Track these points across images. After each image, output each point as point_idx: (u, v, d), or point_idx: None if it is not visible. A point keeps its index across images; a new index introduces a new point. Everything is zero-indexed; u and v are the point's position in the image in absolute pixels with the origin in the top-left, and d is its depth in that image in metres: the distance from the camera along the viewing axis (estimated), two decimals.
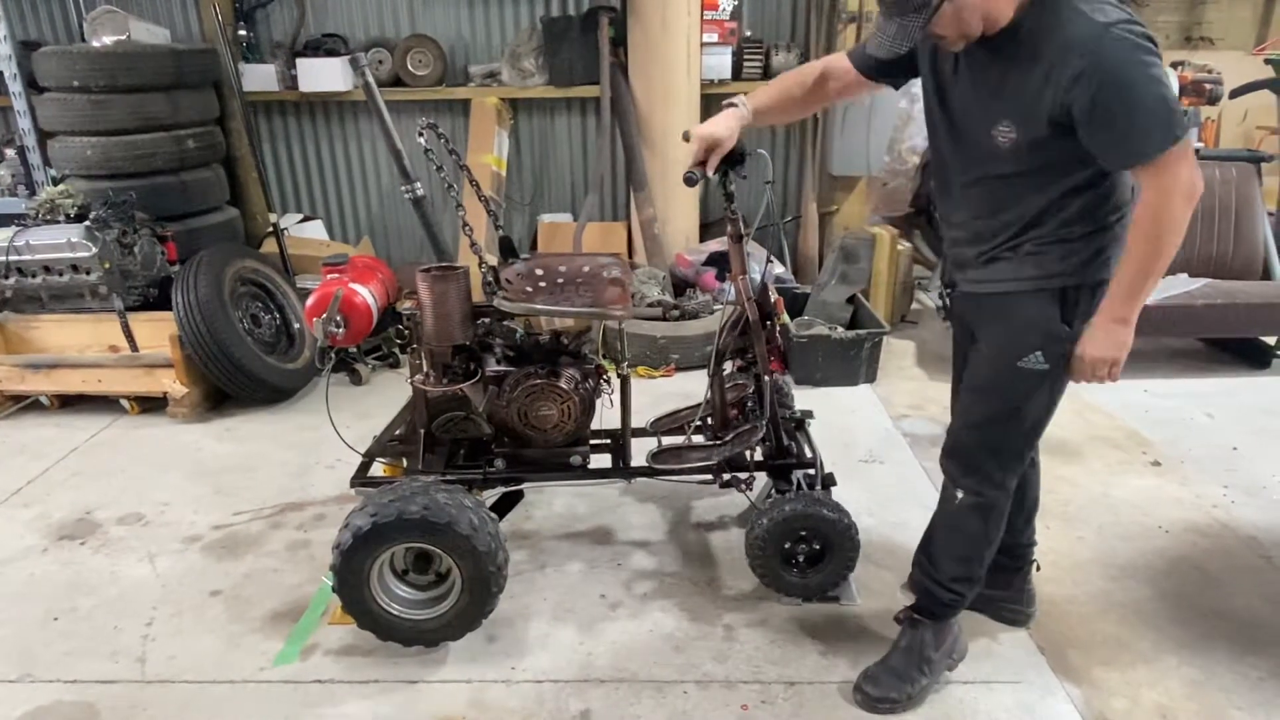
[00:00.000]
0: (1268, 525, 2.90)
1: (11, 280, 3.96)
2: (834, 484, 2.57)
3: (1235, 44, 6.35)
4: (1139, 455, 3.41)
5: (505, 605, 2.41)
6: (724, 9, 4.91)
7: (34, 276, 3.96)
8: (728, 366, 2.65)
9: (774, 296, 2.55)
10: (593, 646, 2.37)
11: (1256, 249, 4.30)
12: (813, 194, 5.28)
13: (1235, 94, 4.67)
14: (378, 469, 2.70)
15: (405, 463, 2.69)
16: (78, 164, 4.41)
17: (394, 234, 5.72)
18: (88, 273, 3.91)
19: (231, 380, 3.78)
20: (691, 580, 2.66)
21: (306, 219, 5.55)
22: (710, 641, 2.38)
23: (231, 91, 4.87)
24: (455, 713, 2.15)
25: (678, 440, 2.70)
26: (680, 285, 4.86)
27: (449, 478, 2.44)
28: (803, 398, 3.55)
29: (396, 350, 4.40)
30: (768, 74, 5.04)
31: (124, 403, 3.94)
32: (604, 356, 2.64)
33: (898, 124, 5.10)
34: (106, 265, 3.87)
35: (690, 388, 3.88)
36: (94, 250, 3.86)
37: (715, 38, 4.94)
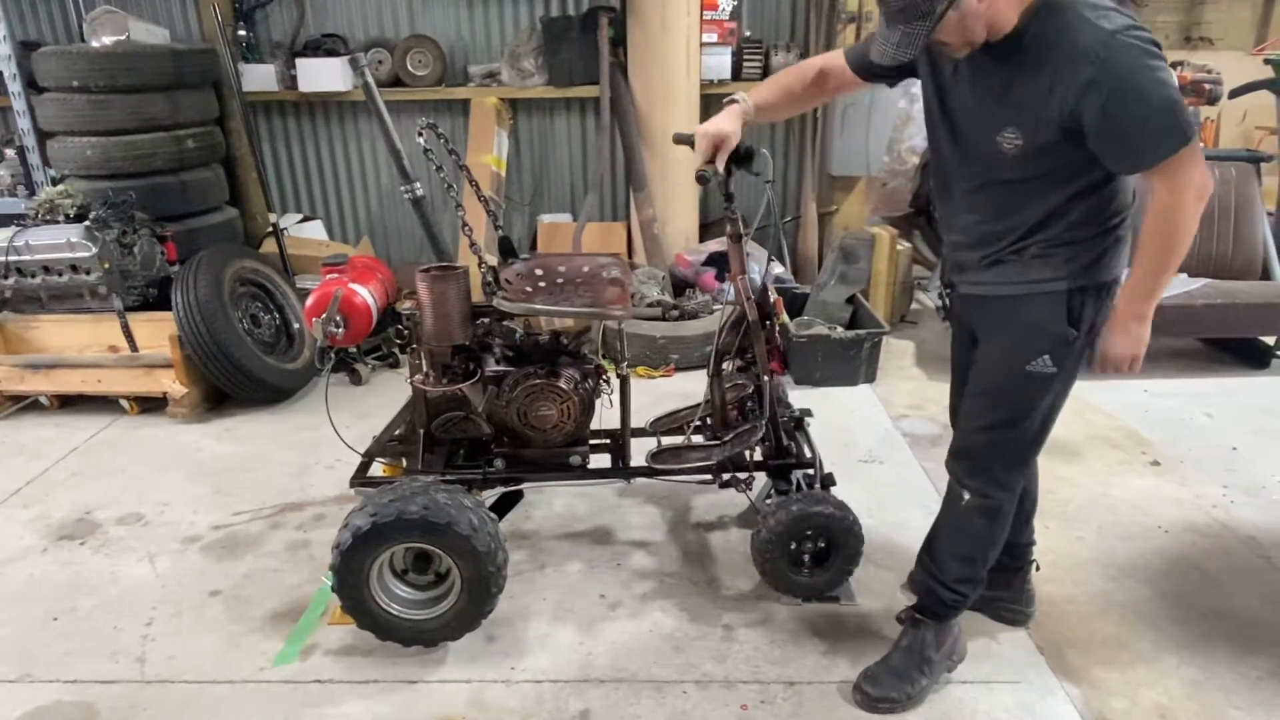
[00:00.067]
0: (1267, 525, 2.91)
1: (11, 280, 3.96)
2: (833, 484, 2.57)
3: (1234, 44, 6.36)
4: (1138, 455, 3.41)
5: (505, 605, 2.41)
6: (723, 9, 4.91)
7: (33, 277, 3.96)
8: (727, 366, 2.65)
9: (773, 296, 2.55)
10: (592, 646, 2.37)
11: (1256, 249, 4.30)
12: (812, 194, 5.28)
13: (1234, 94, 4.67)
14: (377, 469, 2.70)
15: (405, 463, 2.69)
16: (77, 164, 4.41)
17: (393, 234, 5.72)
18: (87, 273, 3.91)
19: (231, 380, 3.78)
20: (691, 580, 2.66)
21: (306, 219, 5.54)
22: (710, 641, 2.38)
23: (231, 91, 4.87)
24: (455, 713, 2.15)
25: (677, 440, 2.70)
26: (680, 285, 4.86)
27: (448, 478, 2.44)
28: (802, 398, 3.56)
29: (396, 350, 4.41)
30: (767, 74, 5.04)
31: (123, 403, 3.94)
32: (603, 356, 2.64)
33: (897, 124, 5.11)
34: (106, 265, 3.87)
35: (690, 388, 3.88)
36: (93, 250, 3.86)
37: (715, 38, 4.94)
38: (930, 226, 5.17)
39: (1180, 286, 4.00)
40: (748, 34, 5.15)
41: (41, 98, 4.44)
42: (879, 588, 2.59)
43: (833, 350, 4.08)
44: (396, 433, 2.74)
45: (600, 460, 2.73)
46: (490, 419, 2.54)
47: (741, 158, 2.27)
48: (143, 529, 3.00)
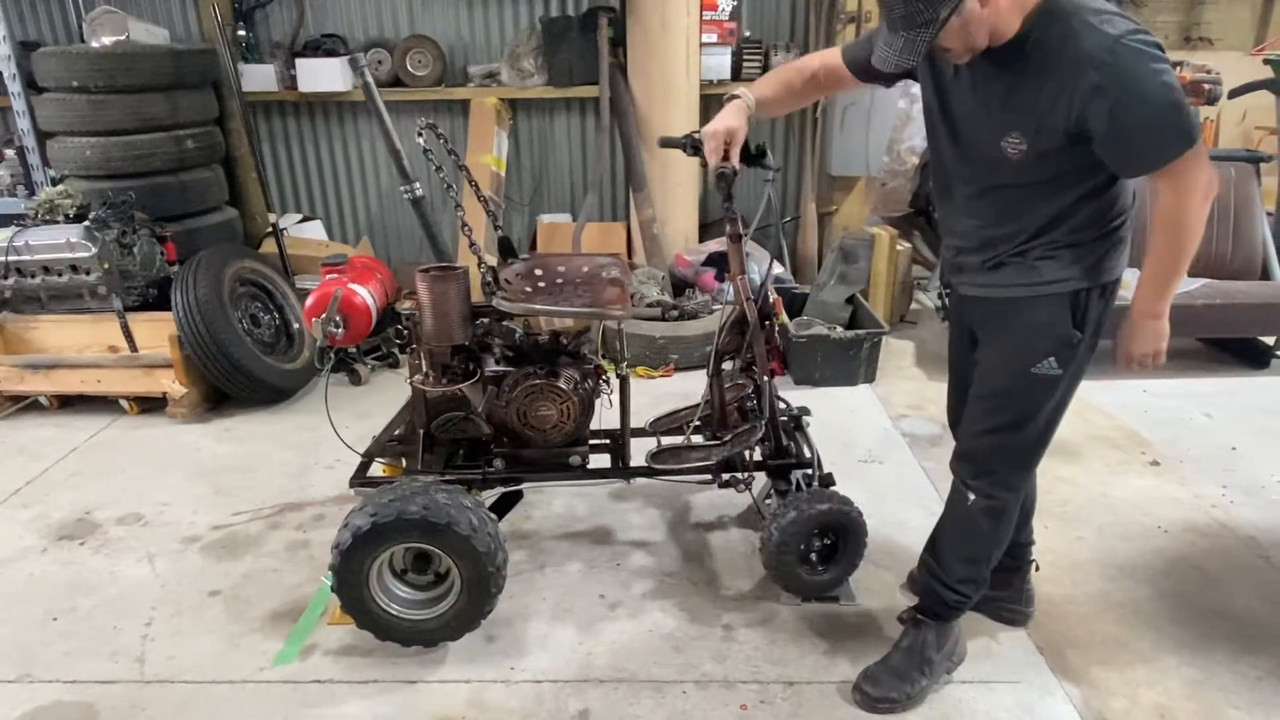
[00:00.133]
0: (1266, 525, 2.91)
1: (10, 280, 3.96)
2: (833, 484, 2.57)
3: (1234, 44, 6.36)
4: (1138, 455, 3.41)
5: (504, 605, 2.41)
6: (723, 9, 4.91)
7: (33, 277, 3.96)
8: (727, 367, 2.65)
9: (773, 297, 2.55)
10: (592, 646, 2.37)
11: (1255, 249, 4.30)
12: (812, 194, 5.28)
13: (1234, 94, 4.66)
14: (377, 469, 2.70)
15: (404, 463, 2.69)
16: (77, 164, 4.41)
17: (393, 234, 5.72)
18: (87, 273, 3.91)
19: (231, 380, 3.78)
20: (690, 580, 2.66)
21: (306, 219, 5.54)
22: (709, 641, 2.38)
23: (231, 92, 4.87)
24: (454, 713, 2.15)
25: (677, 440, 2.70)
26: (679, 285, 4.86)
27: (448, 478, 2.44)
28: (802, 398, 3.55)
29: (396, 350, 4.41)
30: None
31: (123, 403, 3.94)
32: (603, 357, 2.64)
33: (897, 124, 5.11)
34: (105, 265, 3.87)
35: (689, 388, 3.88)
36: (93, 250, 3.86)
37: (714, 38, 4.94)
38: (930, 227, 5.16)
39: (1180, 286, 3.99)
40: (747, 34, 5.15)
41: (41, 98, 4.44)
42: (879, 588, 2.59)
43: (832, 350, 4.08)
44: (396, 433, 2.74)
45: (600, 460, 2.73)
46: (490, 419, 2.54)
47: (753, 155, 2.28)
48: (142, 529, 3.00)
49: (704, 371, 2.60)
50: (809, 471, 2.60)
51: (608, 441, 2.80)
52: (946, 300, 2.25)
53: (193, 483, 3.32)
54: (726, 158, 2.18)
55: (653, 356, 4.29)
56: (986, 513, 2.05)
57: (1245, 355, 4.30)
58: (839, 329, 4.20)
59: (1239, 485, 3.17)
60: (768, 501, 2.83)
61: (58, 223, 4.02)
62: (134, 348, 3.93)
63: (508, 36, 5.25)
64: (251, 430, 3.78)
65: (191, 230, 4.55)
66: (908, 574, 2.58)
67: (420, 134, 2.41)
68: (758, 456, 2.69)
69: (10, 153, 5.08)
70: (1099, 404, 3.82)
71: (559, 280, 2.54)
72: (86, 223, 3.90)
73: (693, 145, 2.41)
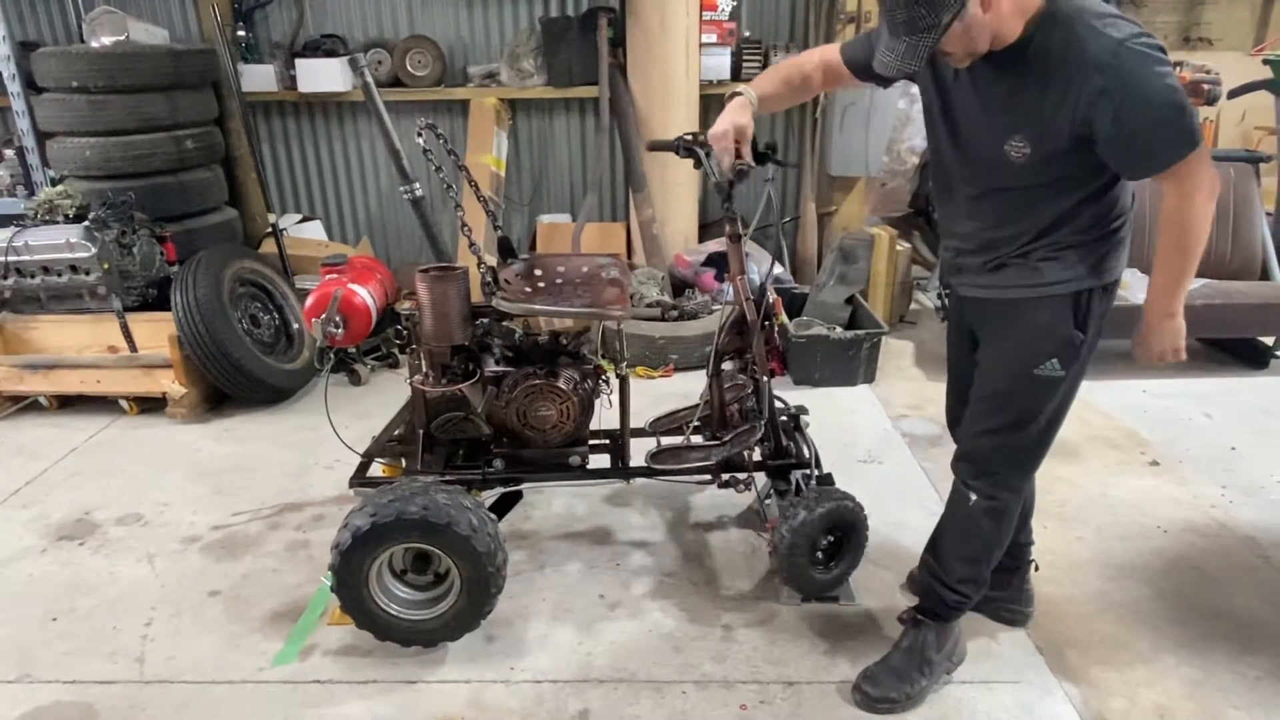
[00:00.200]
0: (1266, 525, 2.91)
1: (10, 281, 3.96)
2: (832, 484, 2.57)
3: (1233, 44, 6.36)
4: (1137, 455, 3.41)
5: (504, 605, 2.41)
6: (723, 9, 4.91)
7: (32, 277, 3.96)
8: (726, 367, 2.65)
9: (772, 297, 2.55)
10: (591, 647, 2.37)
11: (1255, 249, 4.30)
12: (811, 194, 5.28)
13: (1233, 94, 4.67)
14: (377, 469, 2.70)
15: (404, 463, 2.69)
16: (76, 164, 4.41)
17: (393, 234, 5.72)
18: (86, 273, 3.91)
19: (230, 380, 3.78)
20: (690, 580, 2.66)
21: (305, 219, 5.54)
22: (709, 641, 2.38)
23: (230, 92, 4.87)
24: (454, 713, 2.15)
25: (676, 440, 2.70)
26: (679, 286, 4.86)
27: (448, 478, 2.44)
28: (801, 398, 3.55)
29: (395, 350, 4.41)
30: None
31: (123, 403, 3.94)
32: (603, 357, 2.64)
33: (896, 125, 5.12)
34: (105, 266, 3.87)
35: (689, 388, 3.88)
36: (93, 251, 3.86)
37: (714, 38, 4.94)
38: (929, 227, 5.17)
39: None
40: (747, 34, 5.15)
41: (41, 98, 4.44)
42: (878, 588, 2.59)
43: (832, 351, 4.08)
44: (396, 433, 2.74)
45: (600, 460, 2.73)
46: (489, 419, 2.54)
47: (761, 152, 2.28)
48: (142, 529, 3.00)
49: (703, 372, 2.60)
50: (809, 472, 2.60)
51: (607, 442, 2.80)
52: (946, 301, 2.25)
53: (192, 483, 3.32)
54: (739, 155, 2.17)
55: (652, 357, 4.29)
56: (988, 513, 2.05)
57: (1245, 355, 4.30)
58: (838, 329, 4.20)
59: (1238, 485, 3.17)
60: (767, 502, 2.83)
61: (57, 223, 4.02)
62: (133, 348, 3.93)
63: (507, 37, 5.25)
64: (251, 430, 3.78)
65: (191, 230, 4.55)
66: (908, 574, 2.58)
67: (420, 134, 2.41)
68: (757, 457, 2.69)
69: (10, 153, 5.08)
70: (1098, 404, 3.82)
71: (558, 280, 2.54)
72: (86, 223, 3.90)
73: (685, 147, 2.41)
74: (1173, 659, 2.30)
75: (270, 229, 4.69)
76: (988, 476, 2.03)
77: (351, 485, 2.59)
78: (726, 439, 2.54)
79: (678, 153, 2.42)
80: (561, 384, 2.46)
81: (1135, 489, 3.15)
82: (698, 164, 2.41)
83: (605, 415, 2.63)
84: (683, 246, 5.03)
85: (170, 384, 3.81)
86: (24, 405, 4.02)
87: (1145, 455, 3.41)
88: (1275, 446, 3.46)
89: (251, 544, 2.90)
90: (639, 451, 2.64)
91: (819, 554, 2.46)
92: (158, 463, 3.48)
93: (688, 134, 2.44)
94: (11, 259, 3.90)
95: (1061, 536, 2.85)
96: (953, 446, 2.16)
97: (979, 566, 2.12)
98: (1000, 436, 2.00)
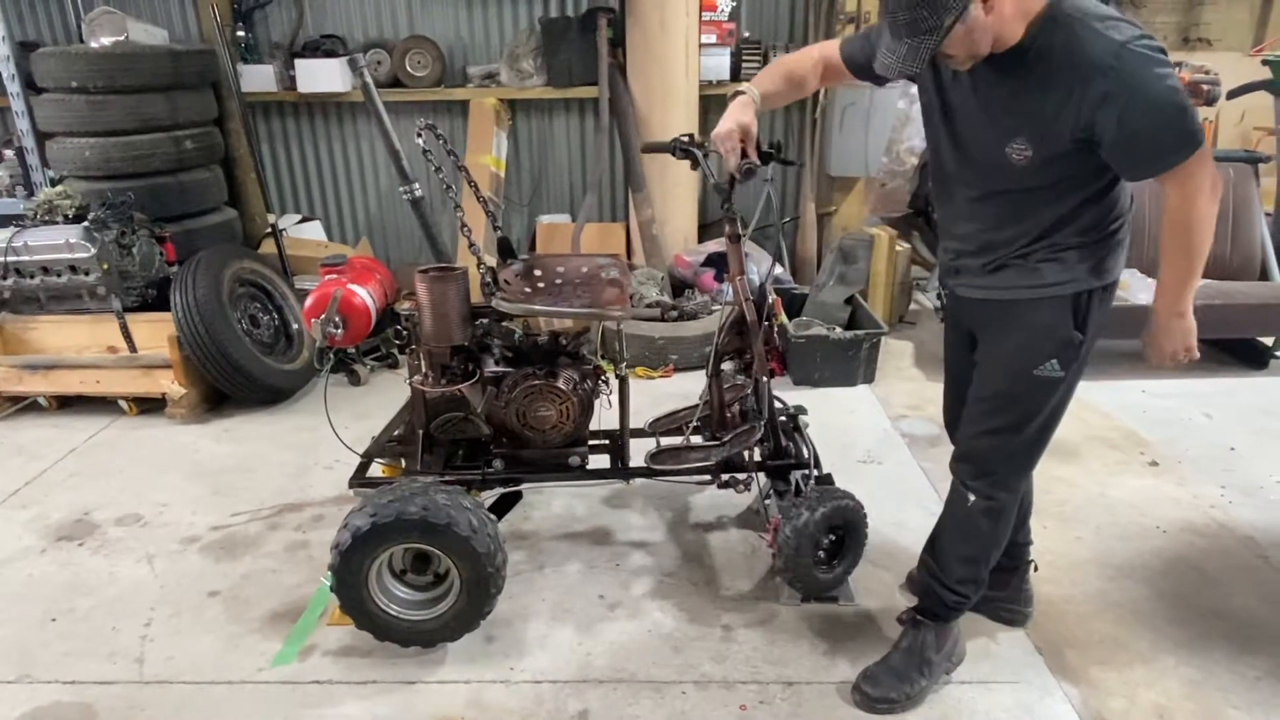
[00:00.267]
0: (1265, 525, 2.91)
1: (9, 281, 3.96)
2: (832, 484, 2.57)
3: (1233, 45, 6.37)
4: (1136, 455, 3.41)
5: (504, 606, 2.41)
6: (722, 10, 4.91)
7: (32, 277, 3.96)
8: (726, 367, 2.65)
9: (772, 297, 2.55)
10: (591, 647, 2.37)
11: (1254, 250, 4.30)
12: (811, 195, 5.28)
13: (1233, 95, 4.67)
14: (376, 470, 2.70)
15: (404, 463, 2.69)
16: (76, 165, 4.41)
17: (392, 235, 5.71)
18: (86, 273, 3.91)
19: (230, 381, 3.78)
20: (690, 580, 2.66)
21: (305, 220, 5.54)
22: (709, 642, 2.38)
23: (230, 92, 4.87)
24: (454, 713, 2.15)
25: (676, 441, 2.70)
26: (679, 286, 4.86)
27: (448, 479, 2.44)
28: (801, 398, 3.55)
29: (395, 351, 4.41)
30: None
31: (122, 403, 3.94)
32: (602, 357, 2.64)
33: (896, 125, 5.12)
34: (105, 266, 3.87)
35: (689, 388, 3.88)
36: (92, 251, 3.86)
37: (714, 38, 4.94)
38: (929, 227, 5.17)
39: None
40: (746, 35, 5.15)
41: (40, 98, 4.44)
42: (878, 588, 2.59)
43: (831, 351, 4.08)
44: (395, 433, 2.74)
45: (599, 461, 2.73)
46: (489, 420, 2.54)
47: (767, 151, 2.28)
48: (141, 530, 3.00)
49: (703, 372, 2.60)
50: (808, 472, 2.60)
51: (607, 442, 2.80)
52: (946, 301, 2.25)
53: (192, 483, 3.32)
54: (744, 155, 2.17)
55: (652, 357, 4.29)
56: (986, 513, 2.06)
57: (1244, 355, 4.30)
58: (838, 329, 4.20)
59: (1237, 485, 3.17)
60: (767, 502, 2.83)
61: (57, 223, 4.02)
62: (133, 348, 3.93)
63: (507, 37, 5.25)
64: (250, 431, 3.78)
65: (190, 231, 4.55)
66: (907, 574, 2.58)
67: (419, 135, 2.41)
68: (757, 457, 2.69)
69: (9, 153, 5.08)
70: (1097, 404, 3.82)
71: (558, 281, 2.54)
72: (85, 223, 3.90)
73: (681, 149, 2.41)
74: (1172, 659, 2.30)
75: (270, 229, 4.69)
76: (986, 477, 2.04)
77: (351, 485, 2.59)
78: (726, 439, 2.54)
79: (674, 154, 2.42)
80: (561, 384, 2.46)
81: (1134, 489, 3.16)
82: (694, 165, 2.41)
83: (605, 416, 2.63)
84: (682, 247, 5.04)
85: (170, 384, 3.81)
86: (23, 406, 4.02)
87: (1145, 455, 3.41)
88: (1274, 447, 3.46)
89: (251, 544, 2.90)
90: (638, 452, 2.65)
91: (821, 554, 2.46)
92: (157, 463, 3.48)
93: (683, 135, 2.44)
94: (11, 259, 3.90)
95: (1061, 536, 2.85)
96: (951, 447, 2.17)
97: (978, 567, 2.13)
98: (999, 437, 2.00)
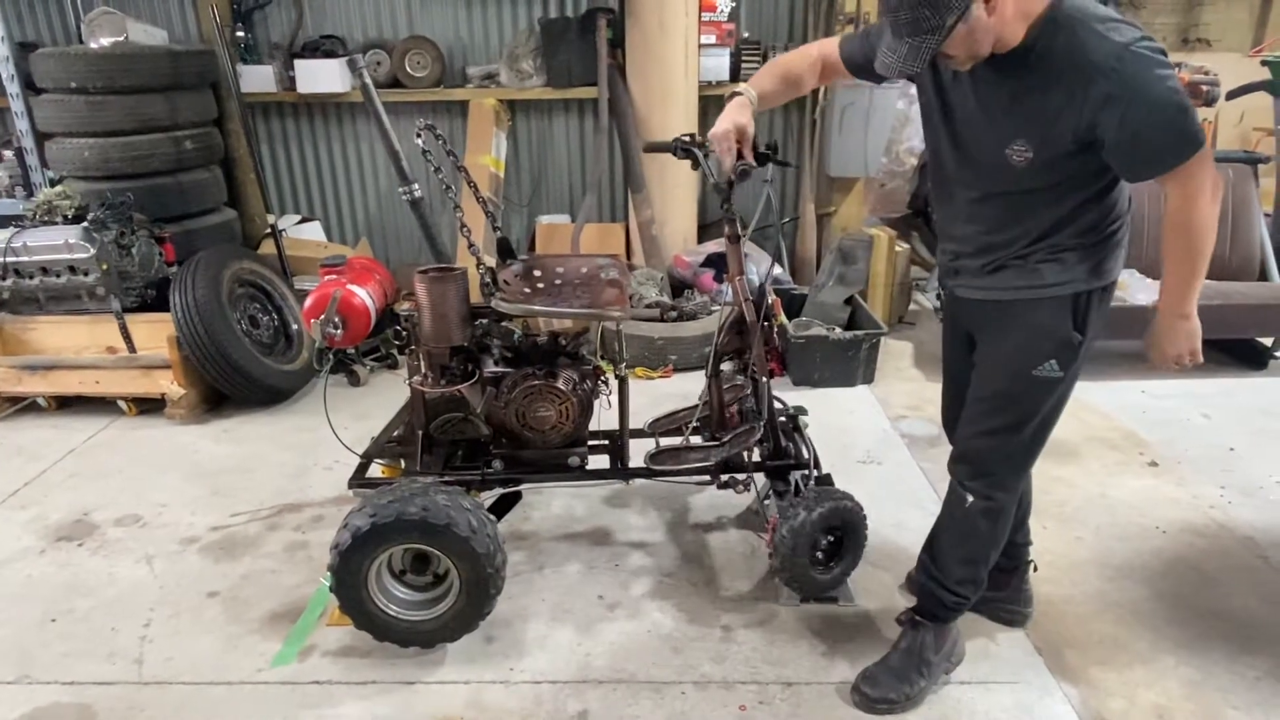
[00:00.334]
0: (1264, 525, 2.91)
1: (9, 281, 3.96)
2: (831, 485, 2.57)
3: (1232, 45, 6.37)
4: (1136, 456, 3.41)
5: (503, 606, 2.41)
6: (722, 10, 4.91)
7: (31, 278, 3.96)
8: (725, 367, 2.65)
9: (771, 298, 2.55)
10: (591, 647, 2.37)
11: (1253, 250, 4.30)
12: (810, 195, 5.28)
13: (1232, 95, 4.67)
14: (376, 470, 2.70)
15: (403, 464, 2.69)
16: (75, 165, 4.41)
17: (392, 235, 5.71)
18: (85, 274, 3.91)
19: (229, 381, 3.78)
20: (689, 581, 2.66)
21: (304, 220, 5.54)
22: (708, 642, 2.38)
23: (229, 93, 4.87)
24: (453, 713, 2.15)
25: (676, 441, 2.70)
26: (678, 286, 4.86)
27: (447, 479, 2.44)
28: (801, 398, 3.55)
29: (394, 351, 4.40)
30: None
31: (121, 404, 3.93)
32: (602, 357, 2.64)
33: (895, 125, 5.12)
34: (104, 266, 3.87)
35: (688, 389, 3.88)
36: (91, 251, 3.85)
37: (713, 39, 4.94)
38: (928, 228, 5.17)
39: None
40: (746, 35, 5.15)
41: (39, 99, 4.44)
42: (877, 588, 2.59)
43: (831, 351, 4.08)
44: (395, 434, 2.74)
45: (599, 461, 2.73)
46: (489, 420, 2.54)
47: (762, 152, 2.28)
48: (140, 530, 3.00)
49: (702, 372, 2.60)
50: (808, 472, 2.60)
51: (606, 442, 2.80)
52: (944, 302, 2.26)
53: (191, 484, 3.31)
54: (740, 155, 2.17)
55: (651, 357, 4.29)
56: (985, 514, 2.06)
57: (1243, 356, 4.30)
58: (837, 330, 4.20)
59: (1237, 486, 3.17)
60: (766, 503, 2.83)
61: (56, 224, 4.02)
62: (132, 349, 3.93)
63: (506, 38, 5.25)
64: (250, 431, 3.77)
65: (190, 231, 4.55)
66: (906, 575, 2.58)
67: (419, 135, 2.41)
68: (756, 457, 2.69)
69: (9, 154, 5.08)
70: (1097, 404, 3.83)
71: (558, 281, 2.54)
72: (85, 224, 3.90)
73: (683, 148, 2.41)
74: (1171, 659, 2.31)
75: (269, 230, 4.69)
76: (984, 477, 2.04)
77: (351, 486, 2.58)
78: (725, 440, 2.54)
79: (675, 154, 2.43)
80: (560, 385, 2.46)
81: (1134, 489, 3.16)
82: (695, 165, 2.41)
83: (604, 416, 2.63)
84: (682, 247, 5.04)
85: (169, 385, 3.81)
86: (22, 406, 4.02)
87: (1144, 456, 3.41)
88: (1274, 447, 3.46)
89: (250, 545, 2.90)
90: (638, 452, 2.64)
91: (819, 554, 2.46)
92: (156, 464, 3.48)
93: (684, 135, 2.44)
94: (10, 260, 3.90)
95: (1060, 537, 2.85)
96: (950, 448, 2.17)
97: (977, 567, 2.13)
98: (998, 437, 2.00)
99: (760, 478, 2.77)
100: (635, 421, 2.72)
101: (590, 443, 2.70)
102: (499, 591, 2.26)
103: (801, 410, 2.89)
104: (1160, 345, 1.91)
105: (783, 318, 4.26)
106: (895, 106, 4.98)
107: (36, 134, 4.65)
